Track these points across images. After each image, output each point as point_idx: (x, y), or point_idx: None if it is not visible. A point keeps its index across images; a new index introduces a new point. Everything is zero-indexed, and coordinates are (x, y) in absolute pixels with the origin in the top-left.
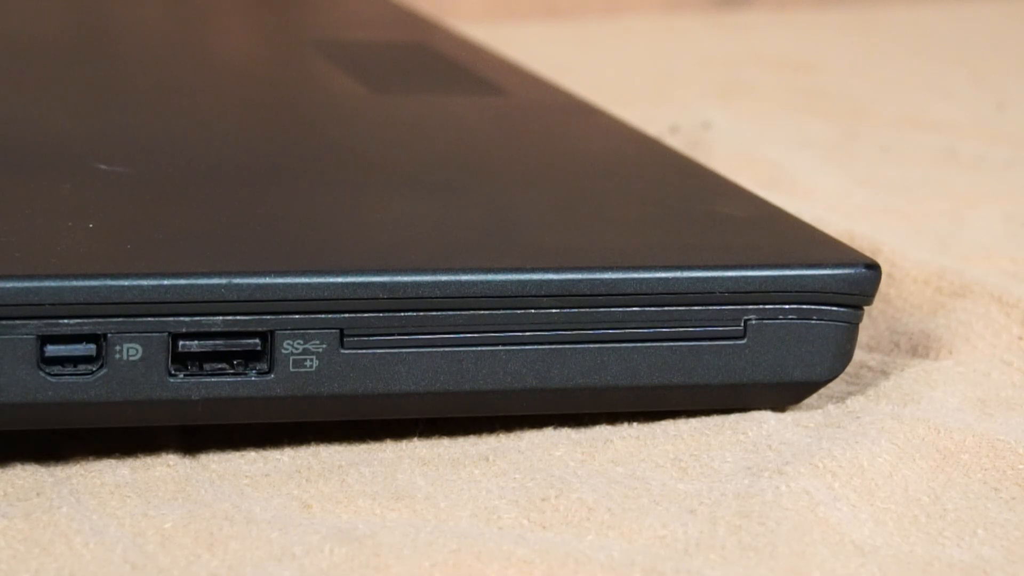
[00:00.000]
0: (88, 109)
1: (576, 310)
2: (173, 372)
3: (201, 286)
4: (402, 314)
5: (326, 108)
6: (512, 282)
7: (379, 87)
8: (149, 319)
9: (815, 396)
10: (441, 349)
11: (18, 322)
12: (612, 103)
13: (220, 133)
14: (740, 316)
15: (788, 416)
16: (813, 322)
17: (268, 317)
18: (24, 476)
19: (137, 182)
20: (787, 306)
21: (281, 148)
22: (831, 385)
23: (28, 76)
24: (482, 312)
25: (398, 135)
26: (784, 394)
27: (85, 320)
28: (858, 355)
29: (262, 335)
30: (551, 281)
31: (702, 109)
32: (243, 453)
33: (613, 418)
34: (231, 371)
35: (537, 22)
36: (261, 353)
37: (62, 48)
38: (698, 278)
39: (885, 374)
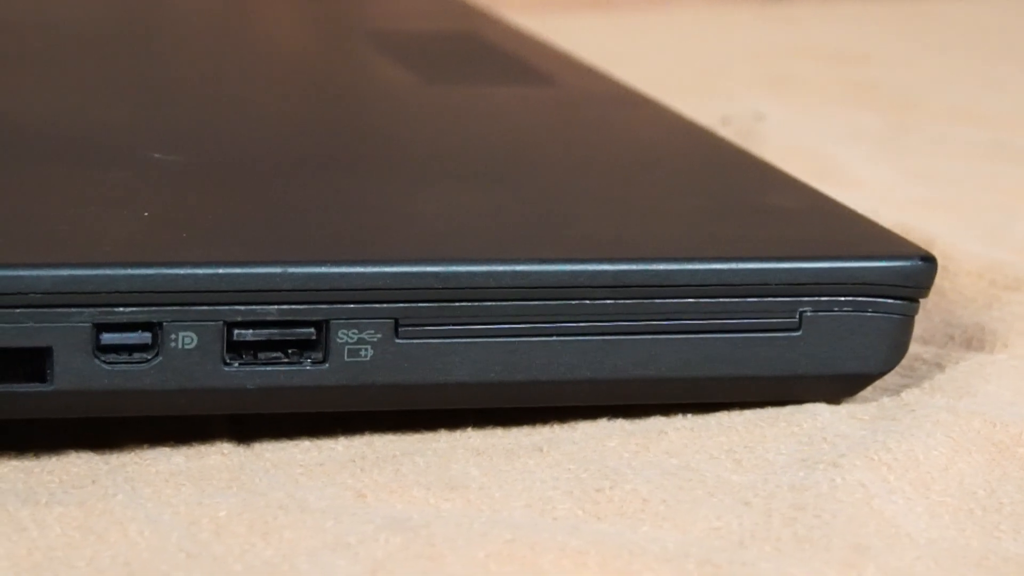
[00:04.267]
0: (141, 99)
1: (630, 301)
2: (228, 361)
3: (256, 275)
4: (456, 304)
5: (378, 98)
6: (566, 273)
7: (430, 77)
8: (204, 308)
9: (869, 389)
10: (495, 339)
11: (74, 310)
12: (662, 94)
13: (273, 123)
14: (795, 308)
15: (842, 409)
16: (868, 314)
17: (323, 306)
18: (79, 464)
19: (191, 171)
20: (842, 298)
21: (333, 138)
22: (885, 378)
23: (81, 66)
24: (536, 302)
25: (449, 125)
26: (838, 386)
27: (141, 308)
28: (912, 348)
29: (317, 324)
30: (606, 272)
31: (753, 101)
32: (297, 442)
33: (667, 409)
34: (285, 360)
35: (585, 13)
36: (316, 342)
37: (114, 38)
38: (754, 270)
39: (940, 367)
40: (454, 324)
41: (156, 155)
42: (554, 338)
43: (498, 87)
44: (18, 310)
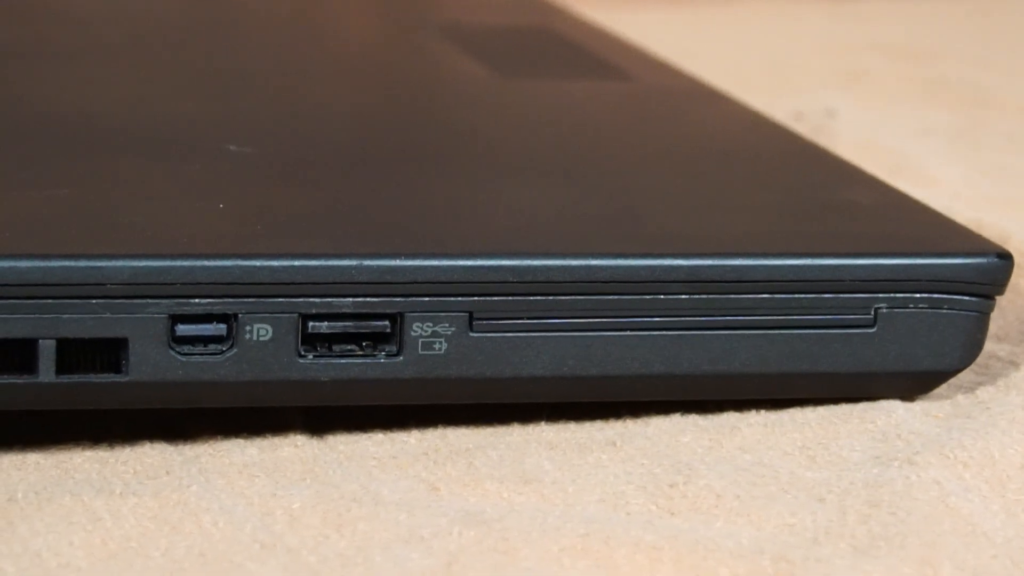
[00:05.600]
0: (215, 91)
1: (706, 296)
2: (302, 353)
3: (332, 268)
4: (531, 298)
5: (451, 92)
6: (642, 267)
7: (504, 71)
8: (279, 300)
9: (944, 386)
10: (569, 334)
11: (151, 301)
12: (733, 89)
13: (346, 116)
14: (870, 304)
15: (917, 406)
16: (944, 311)
17: (398, 299)
18: (153, 455)
19: (265, 163)
20: (918, 295)
21: (407, 131)
22: (960, 375)
23: (156, 59)
24: (611, 297)
25: (524, 119)
26: (913, 383)
27: (216, 300)
28: (988, 345)
29: (391, 317)
30: (681, 267)
31: (825, 96)
32: (370, 435)
33: (740, 405)
34: (360, 353)
35: (657, 8)
36: (390, 335)
37: (188, 31)
38: (829, 266)
39: (1015, 365)
40: (528, 318)
41: (231, 147)
42: (628, 333)
43: (572, 81)
44: (95, 301)
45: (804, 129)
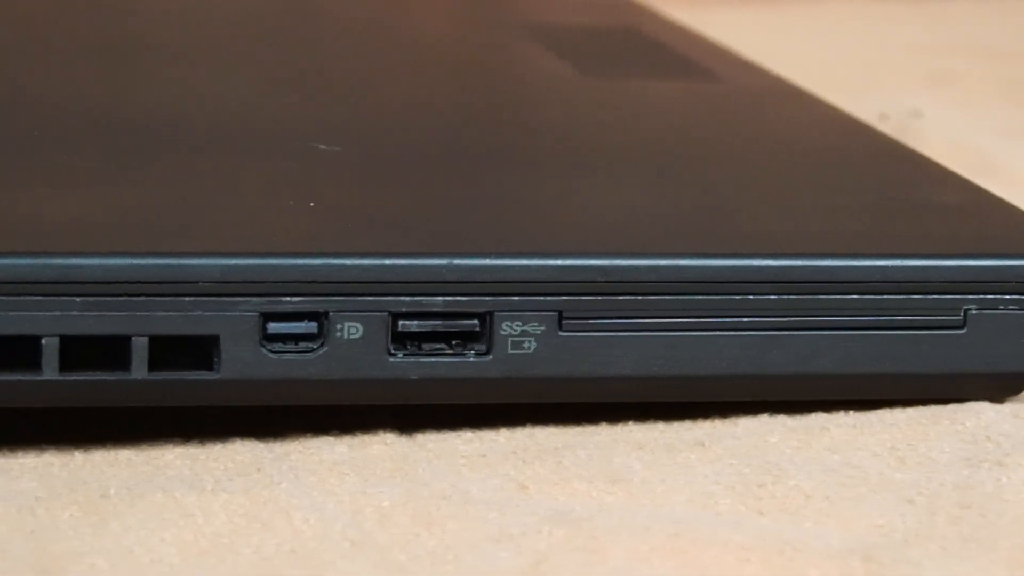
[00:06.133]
0: (303, 90)
1: (795, 297)
2: (392, 351)
3: (422, 267)
4: (620, 298)
5: (538, 91)
6: (730, 268)
7: (589, 70)
8: (370, 298)
9: None
10: (657, 333)
11: (242, 299)
12: (817, 90)
13: (433, 115)
14: (960, 306)
15: (1006, 407)
16: None
17: (488, 298)
18: (243, 452)
19: (355, 162)
20: (1008, 296)
21: (494, 130)
22: None
23: (243, 58)
24: (699, 297)
25: (610, 119)
26: (1003, 385)
27: (307, 298)
28: None
29: (481, 316)
30: (770, 267)
31: (909, 97)
32: (459, 433)
33: (828, 406)
34: (449, 351)
35: (740, 7)
36: (479, 334)
37: (273, 30)
38: (919, 267)
39: None
40: (617, 317)
41: (321, 146)
42: (716, 333)
43: (658, 81)
44: (187, 298)
45: (889, 130)
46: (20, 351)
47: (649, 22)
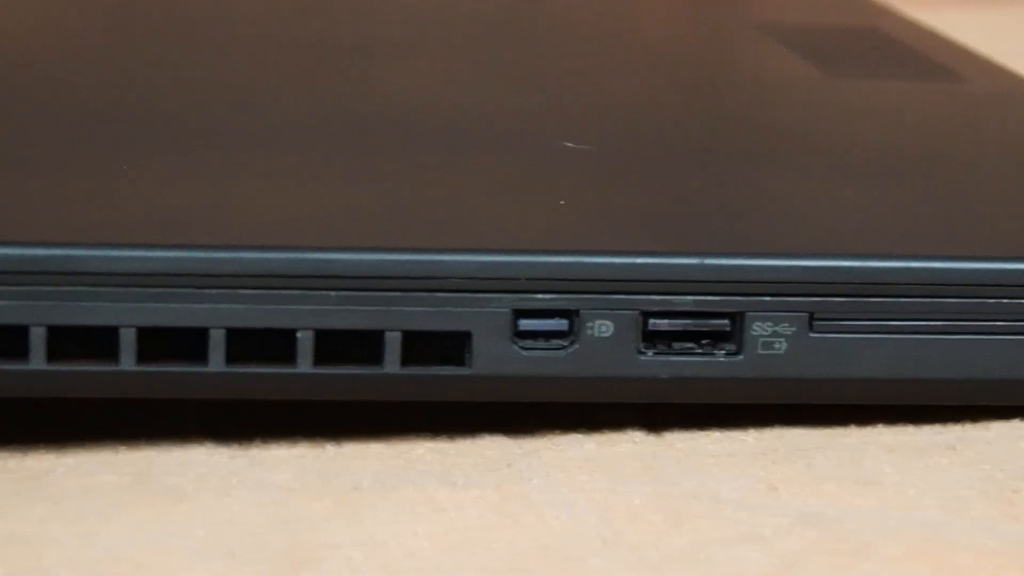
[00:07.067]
0: (544, 88)
1: None
2: (642, 350)
3: (674, 266)
4: (872, 299)
5: (779, 90)
6: (983, 270)
7: (832, 71)
8: (622, 296)
9: None
10: (909, 336)
11: (494, 295)
12: None
13: (676, 113)
14: None
15: None
16: None
17: (739, 298)
18: (492, 447)
19: (602, 161)
20: None
21: (737, 130)
22: None
23: (481, 55)
24: (951, 300)
25: (857, 120)
26: None
27: (559, 295)
28: None
29: (732, 316)
30: (1022, 271)
31: None
32: (707, 432)
33: None
34: (699, 351)
35: (981, 7)
36: (730, 334)
37: (506, 29)
38: None
39: None
40: (868, 319)
41: (568, 144)
42: (968, 336)
43: (903, 82)
44: (440, 294)
45: None
46: (274, 344)
47: (889, 21)
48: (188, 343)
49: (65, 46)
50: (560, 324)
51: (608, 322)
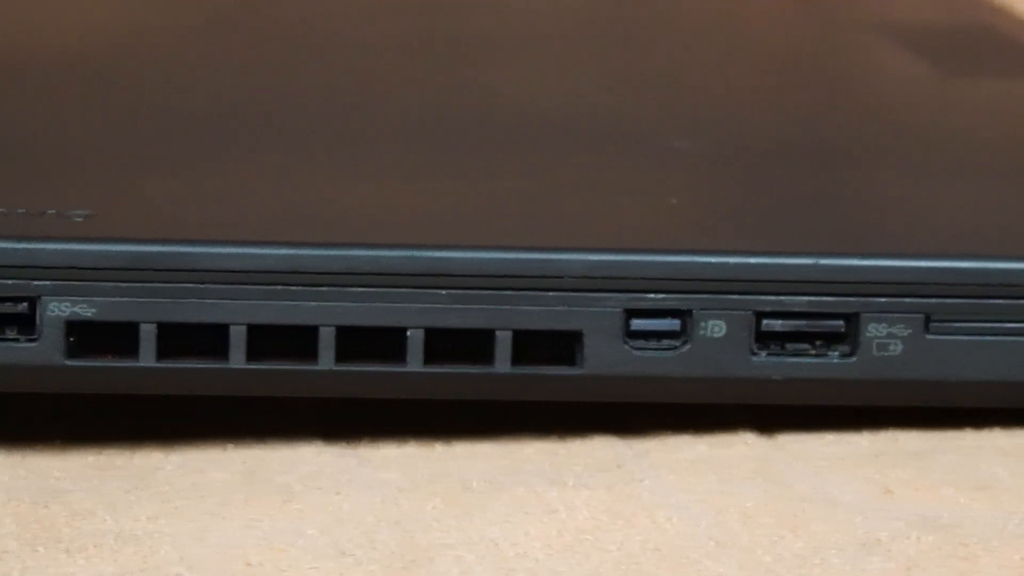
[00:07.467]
0: (653, 87)
1: None
2: (755, 351)
3: (788, 266)
4: (989, 301)
5: (895, 90)
6: None
7: (947, 69)
8: (735, 297)
9: None
10: None
11: (606, 295)
12: None
13: (786, 112)
14: None
15: None
16: None
17: (853, 299)
18: (603, 448)
19: (712, 160)
20: None
21: (850, 129)
22: None
23: (588, 53)
24: None
25: (974, 120)
26: None
27: (671, 295)
28: None
29: (846, 317)
30: None
31: None
32: (819, 435)
33: None
34: (813, 352)
35: None
36: (844, 335)
37: (609, 26)
38: None
39: None
40: (985, 321)
41: (676, 143)
42: None
43: (1019, 81)
44: (551, 293)
45: None
46: (384, 343)
47: (1002, 19)
48: (298, 341)
49: (180, 46)
50: (672, 324)
51: (721, 322)
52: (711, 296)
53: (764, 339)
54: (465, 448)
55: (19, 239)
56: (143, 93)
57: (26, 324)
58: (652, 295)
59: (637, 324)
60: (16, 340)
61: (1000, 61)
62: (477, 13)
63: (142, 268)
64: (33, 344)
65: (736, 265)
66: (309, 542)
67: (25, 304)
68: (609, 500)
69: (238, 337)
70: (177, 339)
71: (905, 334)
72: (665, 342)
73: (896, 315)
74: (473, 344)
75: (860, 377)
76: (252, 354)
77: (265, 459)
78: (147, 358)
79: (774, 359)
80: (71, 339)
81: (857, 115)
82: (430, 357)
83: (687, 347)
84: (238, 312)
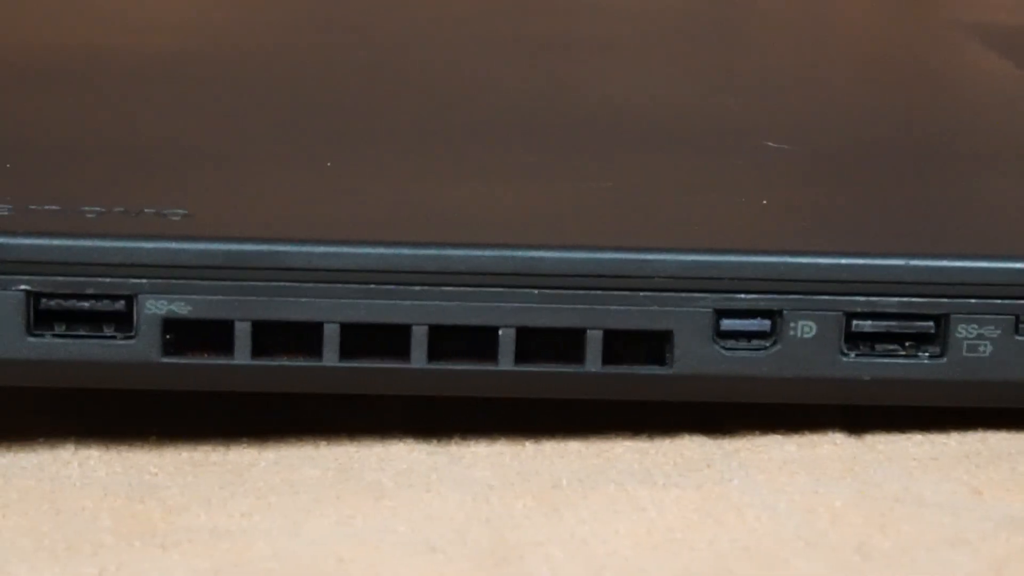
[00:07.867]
0: (745, 87)
1: None
2: (845, 351)
3: (879, 267)
4: None
5: (981, 90)
6: None
7: None
8: (825, 297)
9: None
10: None
11: (697, 295)
12: None
13: (877, 112)
14: None
15: None
16: None
17: (944, 300)
18: (692, 447)
19: (804, 161)
20: None
21: (941, 129)
22: None
23: (680, 53)
24: None
25: None
26: None
27: (762, 296)
28: None
29: (936, 318)
30: None
31: None
32: (909, 435)
33: None
34: (902, 353)
35: None
36: (934, 336)
37: (701, 26)
38: None
39: None
40: None
41: (770, 144)
42: None
43: None
44: (642, 293)
45: None
46: (476, 342)
47: None
48: (391, 340)
49: (276, 47)
50: (762, 324)
51: (811, 323)
52: (801, 297)
53: (854, 340)
54: (555, 447)
55: (117, 238)
56: (239, 93)
57: (123, 322)
58: (742, 295)
59: (727, 324)
60: (113, 337)
61: None
62: (574, 14)
63: (238, 267)
64: (130, 341)
65: (827, 266)
66: (400, 539)
67: (123, 302)
68: (699, 499)
69: (331, 335)
70: (271, 337)
71: (995, 335)
72: (755, 342)
73: (986, 316)
74: (564, 343)
75: (950, 378)
76: (345, 352)
77: (357, 456)
78: (242, 356)
79: (864, 360)
80: (167, 337)
81: (947, 115)
82: (521, 356)
83: (777, 347)
84: (332, 311)
